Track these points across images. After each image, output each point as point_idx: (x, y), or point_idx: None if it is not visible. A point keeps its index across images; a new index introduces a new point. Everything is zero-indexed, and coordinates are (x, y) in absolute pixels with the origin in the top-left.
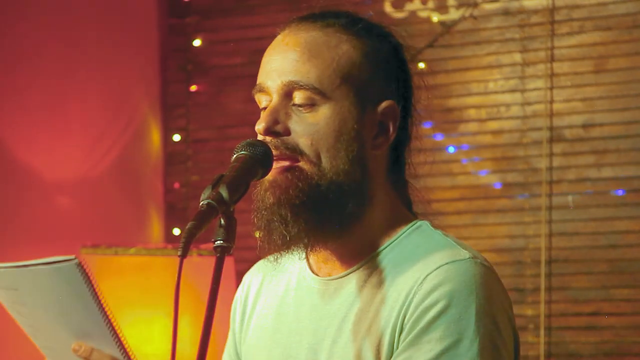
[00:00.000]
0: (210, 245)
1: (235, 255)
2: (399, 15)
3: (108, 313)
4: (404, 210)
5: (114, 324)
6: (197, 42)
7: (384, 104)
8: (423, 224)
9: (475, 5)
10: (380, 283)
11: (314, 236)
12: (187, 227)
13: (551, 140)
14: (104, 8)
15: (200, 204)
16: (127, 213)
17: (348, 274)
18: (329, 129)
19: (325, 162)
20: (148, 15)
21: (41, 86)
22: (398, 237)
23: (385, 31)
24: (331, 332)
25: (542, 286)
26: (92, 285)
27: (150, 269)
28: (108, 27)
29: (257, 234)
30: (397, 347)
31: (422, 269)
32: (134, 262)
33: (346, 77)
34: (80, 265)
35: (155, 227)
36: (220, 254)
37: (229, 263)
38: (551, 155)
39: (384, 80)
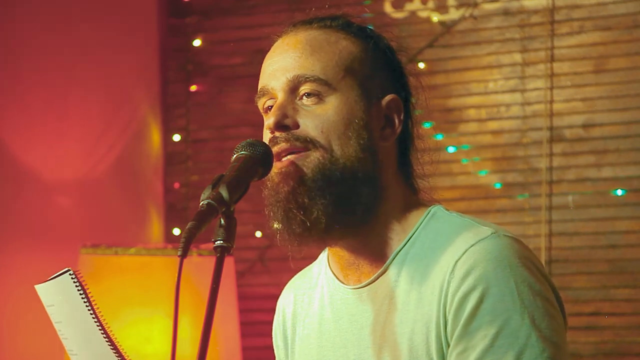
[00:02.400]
0: (210, 245)
1: (235, 255)
2: (399, 15)
3: (102, 321)
4: (416, 199)
5: (109, 331)
6: (197, 42)
7: (388, 97)
8: (437, 210)
9: (475, 5)
10: (411, 280)
11: (332, 224)
12: (187, 227)
13: (551, 140)
14: (104, 8)
15: (200, 204)
16: (127, 213)
17: (377, 278)
18: (339, 117)
19: (337, 149)
20: (148, 15)
21: (41, 86)
22: (417, 229)
23: (377, 33)
24: (376, 339)
25: None
26: (84, 294)
27: (150, 269)
28: (108, 27)
29: (275, 226)
30: (446, 341)
31: (449, 257)
32: (134, 262)
33: (349, 69)
34: (73, 274)
35: (155, 227)
36: (220, 254)
37: (229, 263)
38: (551, 155)
39: (385, 76)
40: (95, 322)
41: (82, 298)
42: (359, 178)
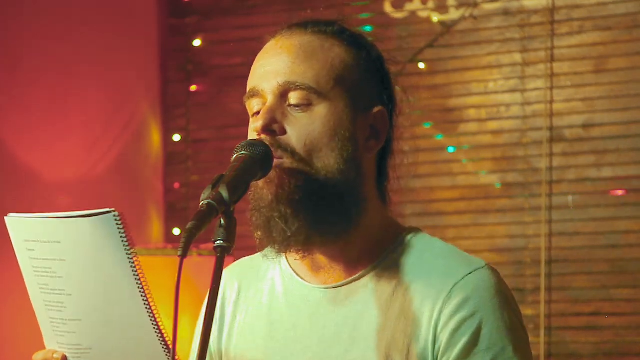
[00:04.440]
0: (210, 245)
1: (235, 255)
2: (399, 15)
3: (138, 269)
4: (390, 214)
5: (143, 281)
6: (197, 42)
7: (376, 109)
8: (419, 232)
9: (475, 5)
10: (392, 292)
11: (313, 235)
12: (187, 227)
13: (551, 140)
14: (104, 8)
15: (200, 204)
16: (127, 213)
17: (352, 282)
18: (325, 128)
19: (317, 162)
20: (148, 15)
21: (41, 86)
22: (399, 244)
23: (370, 42)
24: (342, 340)
25: (542, 286)
26: (127, 239)
27: (150, 269)
28: (108, 27)
29: (256, 234)
30: (433, 356)
31: (445, 279)
32: None
33: (340, 79)
34: (118, 217)
35: (155, 227)
36: (220, 254)
37: (228, 263)
38: (551, 155)
39: (374, 87)
40: (133, 271)
41: (124, 244)
42: (341, 190)
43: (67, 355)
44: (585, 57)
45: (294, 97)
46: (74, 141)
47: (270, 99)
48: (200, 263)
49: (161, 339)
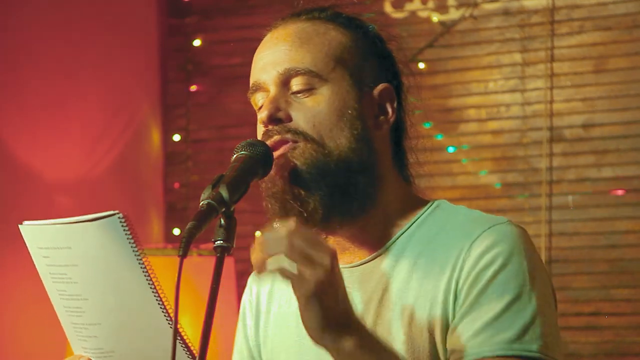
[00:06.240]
0: (210, 245)
1: (235, 255)
2: (399, 15)
3: (148, 268)
4: (413, 191)
5: (155, 280)
6: (197, 42)
7: (380, 86)
8: (442, 202)
9: (475, 5)
10: (414, 260)
11: (330, 214)
12: (187, 227)
13: (551, 140)
14: (104, 8)
15: (200, 204)
16: (127, 213)
17: (374, 258)
18: (330, 109)
19: (329, 142)
20: (148, 15)
21: (41, 86)
22: (420, 216)
23: (366, 23)
24: (369, 317)
25: None
26: (134, 240)
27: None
28: (108, 27)
29: (273, 218)
30: (453, 317)
31: (463, 238)
32: None
33: (339, 59)
34: (123, 219)
35: (155, 227)
36: (220, 254)
37: (229, 263)
38: (551, 155)
39: (376, 65)
40: (143, 271)
41: (131, 245)
42: (354, 168)
43: (93, 359)
44: (585, 57)
45: (295, 84)
46: (74, 141)
47: (272, 89)
48: (200, 263)
49: (179, 338)
